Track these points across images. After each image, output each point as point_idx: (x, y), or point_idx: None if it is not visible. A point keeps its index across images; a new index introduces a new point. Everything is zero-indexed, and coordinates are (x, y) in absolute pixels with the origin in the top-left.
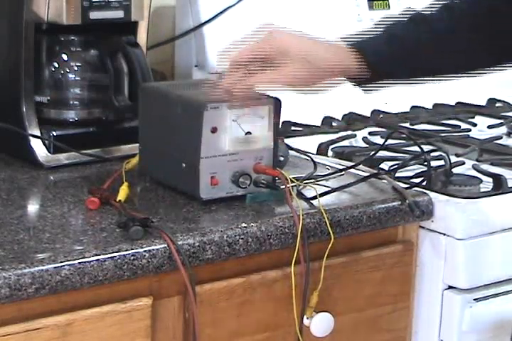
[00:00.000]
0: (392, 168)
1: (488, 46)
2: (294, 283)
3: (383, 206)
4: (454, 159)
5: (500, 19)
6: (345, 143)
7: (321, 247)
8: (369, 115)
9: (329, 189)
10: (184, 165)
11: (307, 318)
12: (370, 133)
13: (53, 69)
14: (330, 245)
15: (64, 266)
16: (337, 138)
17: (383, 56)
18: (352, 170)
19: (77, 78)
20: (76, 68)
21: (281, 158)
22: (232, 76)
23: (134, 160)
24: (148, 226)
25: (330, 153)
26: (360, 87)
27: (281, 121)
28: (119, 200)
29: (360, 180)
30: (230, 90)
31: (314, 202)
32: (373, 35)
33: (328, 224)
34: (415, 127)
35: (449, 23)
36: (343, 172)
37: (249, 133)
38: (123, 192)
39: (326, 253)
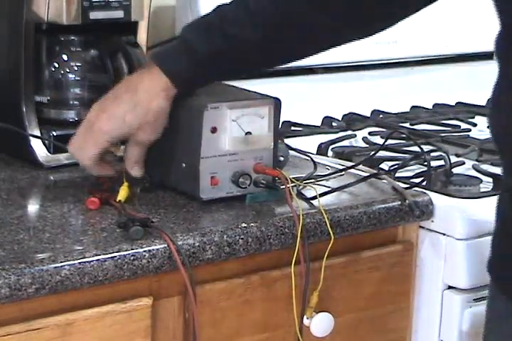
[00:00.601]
0: (392, 168)
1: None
2: (294, 283)
3: (383, 206)
4: (454, 159)
5: None
6: (345, 143)
7: (321, 247)
8: (369, 115)
9: (329, 189)
10: (184, 165)
11: (307, 318)
12: (370, 133)
13: (53, 69)
14: (330, 245)
15: (64, 266)
16: (337, 138)
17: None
18: (352, 170)
19: (77, 78)
20: (76, 68)
21: (281, 158)
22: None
23: (124, 192)
24: (148, 226)
25: (330, 153)
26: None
27: (281, 121)
28: (119, 200)
29: (360, 180)
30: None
31: (314, 202)
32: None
33: (328, 224)
34: (415, 127)
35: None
36: (343, 173)
37: (249, 133)
38: (123, 192)
39: (326, 253)
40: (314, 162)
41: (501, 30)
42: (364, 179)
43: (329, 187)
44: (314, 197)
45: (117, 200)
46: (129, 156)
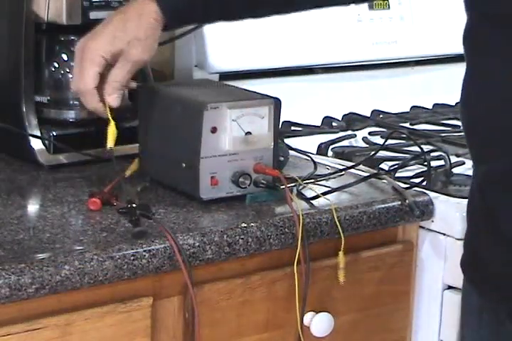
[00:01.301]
0: (392, 168)
1: None
2: (297, 283)
3: (383, 206)
4: (454, 159)
5: None
6: (345, 143)
7: (321, 247)
8: (369, 115)
9: (329, 189)
10: (184, 165)
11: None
12: (370, 133)
13: (53, 69)
14: (342, 244)
15: (64, 266)
16: (337, 138)
17: None
18: (352, 170)
19: None
20: None
21: (281, 158)
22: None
23: (134, 166)
24: (149, 213)
25: (330, 153)
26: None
27: (281, 121)
28: (110, 148)
29: (360, 180)
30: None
31: (314, 202)
32: None
33: (337, 222)
34: (415, 127)
35: None
36: (343, 172)
37: (249, 133)
38: (111, 136)
39: (342, 250)
40: (314, 162)
41: (468, 21)
42: (364, 179)
43: (329, 187)
44: (314, 197)
45: (108, 147)
46: (113, 78)
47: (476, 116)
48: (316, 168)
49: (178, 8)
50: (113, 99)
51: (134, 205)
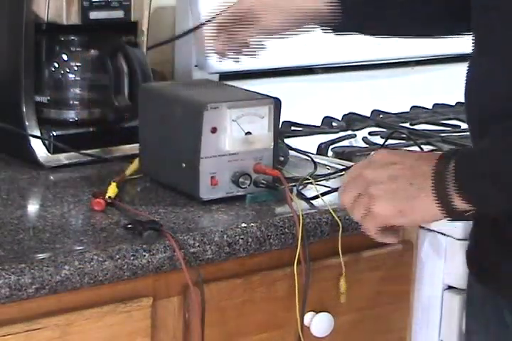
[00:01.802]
0: None
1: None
2: (297, 283)
3: None
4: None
5: None
6: (345, 143)
7: (321, 247)
8: (369, 115)
9: (329, 189)
10: (184, 165)
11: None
12: (370, 133)
13: (53, 69)
14: (343, 270)
15: (64, 266)
16: (337, 138)
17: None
18: None
19: (77, 78)
20: (76, 68)
21: (281, 158)
22: (219, 38)
23: (134, 166)
24: (157, 229)
25: (330, 153)
26: (331, 31)
27: (281, 121)
28: (109, 196)
29: None
30: (223, 51)
31: (314, 201)
32: None
33: (334, 215)
34: (415, 127)
35: None
36: (343, 173)
37: (249, 133)
38: (112, 190)
39: (343, 276)
40: (314, 162)
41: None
42: None
43: (329, 187)
44: (314, 197)
45: (107, 196)
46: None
47: None
48: (316, 167)
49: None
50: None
51: (141, 221)
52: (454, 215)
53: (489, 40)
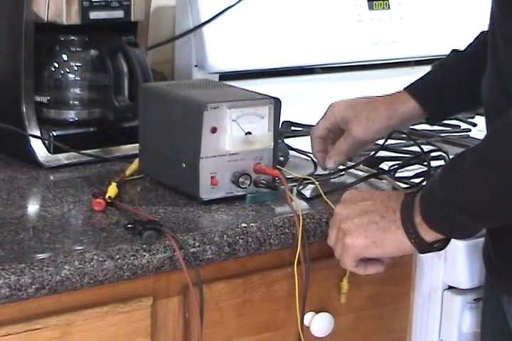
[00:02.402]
0: (392, 168)
1: None
2: (297, 283)
3: None
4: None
5: None
6: None
7: (321, 247)
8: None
9: (329, 189)
10: (184, 165)
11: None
12: None
13: (53, 69)
14: (348, 273)
15: (64, 266)
16: None
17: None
18: (352, 170)
19: (77, 78)
20: (76, 68)
21: (281, 158)
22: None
23: (134, 166)
24: (157, 229)
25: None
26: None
27: (281, 121)
28: (109, 196)
29: (360, 180)
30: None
31: (314, 202)
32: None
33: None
34: (415, 127)
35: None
36: (343, 173)
37: (249, 133)
38: (112, 190)
39: (347, 277)
40: (314, 162)
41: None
42: (364, 179)
43: (329, 187)
44: (314, 197)
45: (107, 196)
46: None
47: None
48: (316, 167)
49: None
50: (330, 164)
51: (141, 221)
52: (423, 247)
53: None
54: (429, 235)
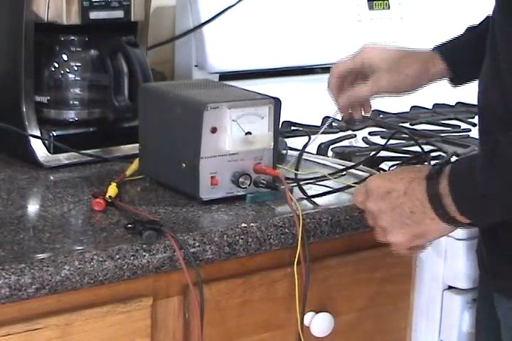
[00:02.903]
0: (392, 168)
1: None
2: (297, 283)
3: None
4: (454, 159)
5: None
6: (345, 143)
7: (321, 247)
8: (369, 115)
9: (330, 189)
10: (184, 165)
11: None
12: (370, 133)
13: (53, 69)
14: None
15: (64, 266)
16: (337, 138)
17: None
18: (352, 170)
19: (77, 78)
20: (76, 68)
21: (283, 152)
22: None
23: (134, 166)
24: (157, 229)
25: (330, 153)
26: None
27: (281, 121)
28: (109, 196)
29: (361, 181)
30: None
31: (314, 199)
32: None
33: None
34: (415, 127)
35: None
36: (344, 173)
37: (249, 133)
38: (112, 190)
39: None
40: (314, 162)
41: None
42: (364, 179)
43: (329, 187)
44: (313, 196)
45: (107, 196)
46: None
47: None
48: (315, 167)
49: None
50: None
51: (141, 221)
52: (463, 226)
53: None
54: (465, 219)
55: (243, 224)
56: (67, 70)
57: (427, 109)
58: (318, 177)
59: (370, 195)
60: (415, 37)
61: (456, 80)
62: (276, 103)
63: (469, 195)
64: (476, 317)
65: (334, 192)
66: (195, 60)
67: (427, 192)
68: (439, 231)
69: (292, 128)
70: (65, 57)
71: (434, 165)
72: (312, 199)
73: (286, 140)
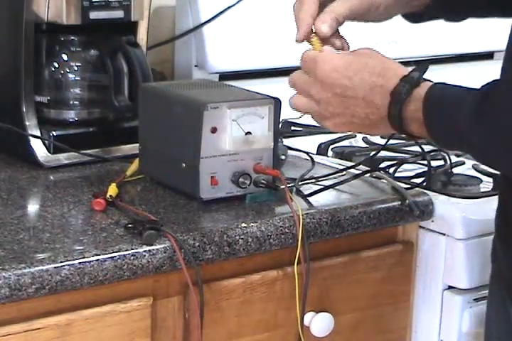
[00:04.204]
0: (392, 168)
1: None
2: (297, 283)
3: (383, 206)
4: (454, 159)
5: None
6: (345, 143)
7: (321, 247)
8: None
9: (322, 186)
10: (184, 165)
11: None
12: None
13: (53, 69)
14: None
15: (64, 266)
16: (337, 138)
17: None
18: (352, 170)
19: (77, 78)
20: (76, 68)
21: (283, 157)
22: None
23: (134, 166)
24: (158, 229)
25: (330, 153)
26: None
27: (281, 121)
28: (110, 195)
29: (354, 176)
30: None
31: (314, 202)
32: None
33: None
34: None
35: None
36: (344, 173)
37: (249, 133)
38: (112, 190)
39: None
40: (314, 162)
41: None
42: (357, 176)
43: (330, 187)
44: (311, 194)
45: (108, 195)
46: (331, 9)
47: None
48: (315, 167)
49: None
50: (324, 26)
51: (141, 221)
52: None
53: None
54: (416, 131)
55: (243, 224)
56: (67, 70)
57: None
58: (318, 177)
59: (317, 81)
60: (415, 37)
61: (432, 10)
62: (276, 103)
63: (445, 129)
64: (486, 323)
65: (331, 187)
66: (195, 60)
67: (389, 111)
68: (382, 132)
69: (292, 128)
70: (65, 57)
71: (403, 78)
72: (312, 198)
73: (285, 140)
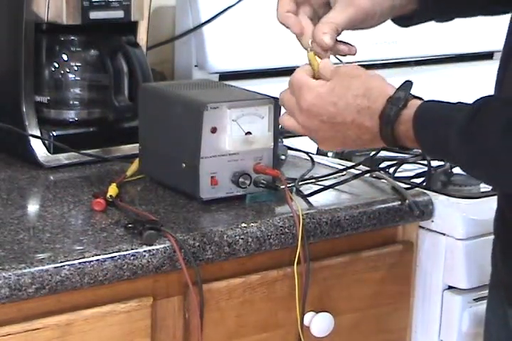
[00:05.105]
0: (392, 168)
1: None
2: (297, 283)
3: (383, 206)
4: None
5: None
6: None
7: (321, 247)
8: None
9: (322, 186)
10: (184, 165)
11: None
12: None
13: (53, 69)
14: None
15: (64, 266)
16: None
17: None
18: (352, 170)
19: (77, 78)
20: (76, 68)
21: (283, 157)
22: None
23: (134, 167)
24: (158, 229)
25: (330, 153)
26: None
27: None
28: (110, 195)
29: (354, 176)
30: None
31: (314, 202)
32: None
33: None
34: None
35: None
36: (344, 173)
37: (249, 133)
38: (112, 190)
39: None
40: (314, 162)
41: None
42: (357, 176)
43: (330, 187)
44: (311, 194)
45: (108, 195)
46: (330, 19)
47: None
48: (314, 167)
49: None
50: (327, 38)
51: (141, 221)
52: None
53: None
54: (410, 145)
55: (243, 224)
56: (67, 70)
57: None
58: (318, 177)
59: (303, 111)
60: (415, 37)
61: (420, 15)
62: (276, 103)
63: (436, 147)
64: (485, 328)
65: (331, 187)
66: (195, 60)
67: (381, 131)
68: (378, 146)
69: None
70: (65, 57)
71: (389, 99)
72: (312, 198)
73: (285, 140)
